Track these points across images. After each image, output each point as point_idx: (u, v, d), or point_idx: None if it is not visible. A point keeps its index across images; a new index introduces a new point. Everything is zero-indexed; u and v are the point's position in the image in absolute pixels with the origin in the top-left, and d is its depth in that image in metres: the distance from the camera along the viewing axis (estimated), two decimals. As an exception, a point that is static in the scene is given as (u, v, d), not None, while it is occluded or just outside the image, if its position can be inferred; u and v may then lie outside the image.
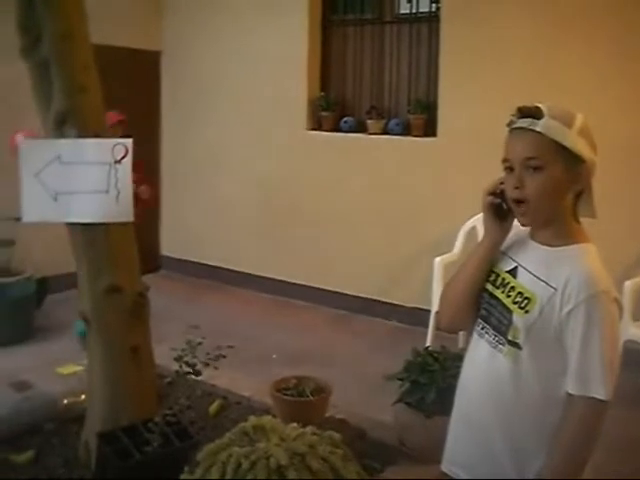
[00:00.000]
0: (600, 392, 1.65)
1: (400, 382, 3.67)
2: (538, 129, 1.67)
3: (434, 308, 4.90)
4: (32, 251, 5.59)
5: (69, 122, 3.00)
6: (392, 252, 5.88)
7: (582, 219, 1.80)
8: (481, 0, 5.34)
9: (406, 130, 5.86)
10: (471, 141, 5.37)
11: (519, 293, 1.75)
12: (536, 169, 1.68)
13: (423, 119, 5.75)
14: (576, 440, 1.69)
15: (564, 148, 1.67)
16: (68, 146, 3.03)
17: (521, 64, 5.18)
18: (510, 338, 1.74)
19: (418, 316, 5.37)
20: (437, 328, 4.72)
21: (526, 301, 1.72)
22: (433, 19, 5.72)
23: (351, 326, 5.82)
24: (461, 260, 1.99)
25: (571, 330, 1.66)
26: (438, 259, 5.00)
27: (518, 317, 1.73)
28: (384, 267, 5.94)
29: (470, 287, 1.85)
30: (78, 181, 3.07)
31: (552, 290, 1.69)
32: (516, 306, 1.74)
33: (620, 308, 1.70)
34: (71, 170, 3.06)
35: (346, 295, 6.08)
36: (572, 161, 1.68)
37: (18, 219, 3.23)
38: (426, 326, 4.99)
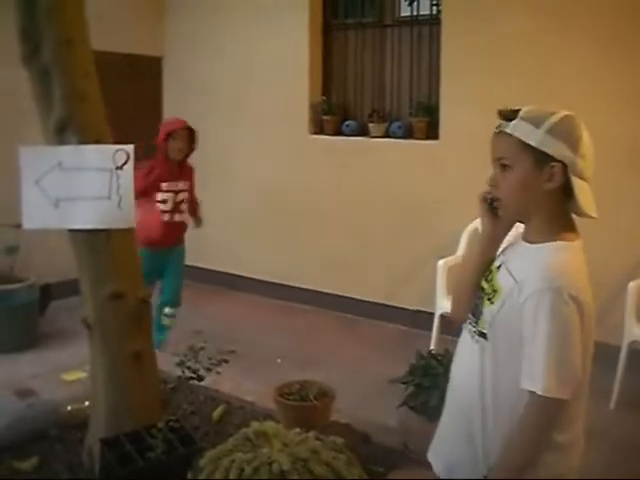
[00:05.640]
0: (538, 387, 1.65)
1: (404, 385, 3.66)
2: (507, 130, 1.74)
3: (438, 311, 4.89)
4: (35, 258, 5.59)
5: (69, 129, 2.99)
6: (395, 255, 5.87)
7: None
8: (482, 2, 5.33)
9: (408, 133, 5.86)
10: (473, 143, 5.30)
11: (492, 286, 1.82)
12: (506, 168, 1.76)
13: (425, 122, 5.75)
14: (518, 436, 1.70)
15: (531, 147, 1.71)
16: (69, 152, 3.02)
17: (524, 66, 5.16)
18: (480, 329, 1.81)
19: (422, 319, 5.35)
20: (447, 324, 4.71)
21: (493, 293, 1.80)
22: (434, 22, 5.73)
23: (355, 330, 5.81)
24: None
25: (525, 323, 1.69)
26: (441, 261, 4.99)
27: (486, 308, 1.81)
28: (387, 270, 5.93)
29: (467, 279, 1.93)
30: (79, 187, 3.06)
31: (514, 282, 1.74)
32: (486, 297, 1.82)
33: (579, 307, 1.66)
34: (72, 176, 3.05)
35: (350, 299, 6.08)
36: (541, 160, 1.72)
37: (19, 226, 3.22)
38: (430, 329, 4.97)
